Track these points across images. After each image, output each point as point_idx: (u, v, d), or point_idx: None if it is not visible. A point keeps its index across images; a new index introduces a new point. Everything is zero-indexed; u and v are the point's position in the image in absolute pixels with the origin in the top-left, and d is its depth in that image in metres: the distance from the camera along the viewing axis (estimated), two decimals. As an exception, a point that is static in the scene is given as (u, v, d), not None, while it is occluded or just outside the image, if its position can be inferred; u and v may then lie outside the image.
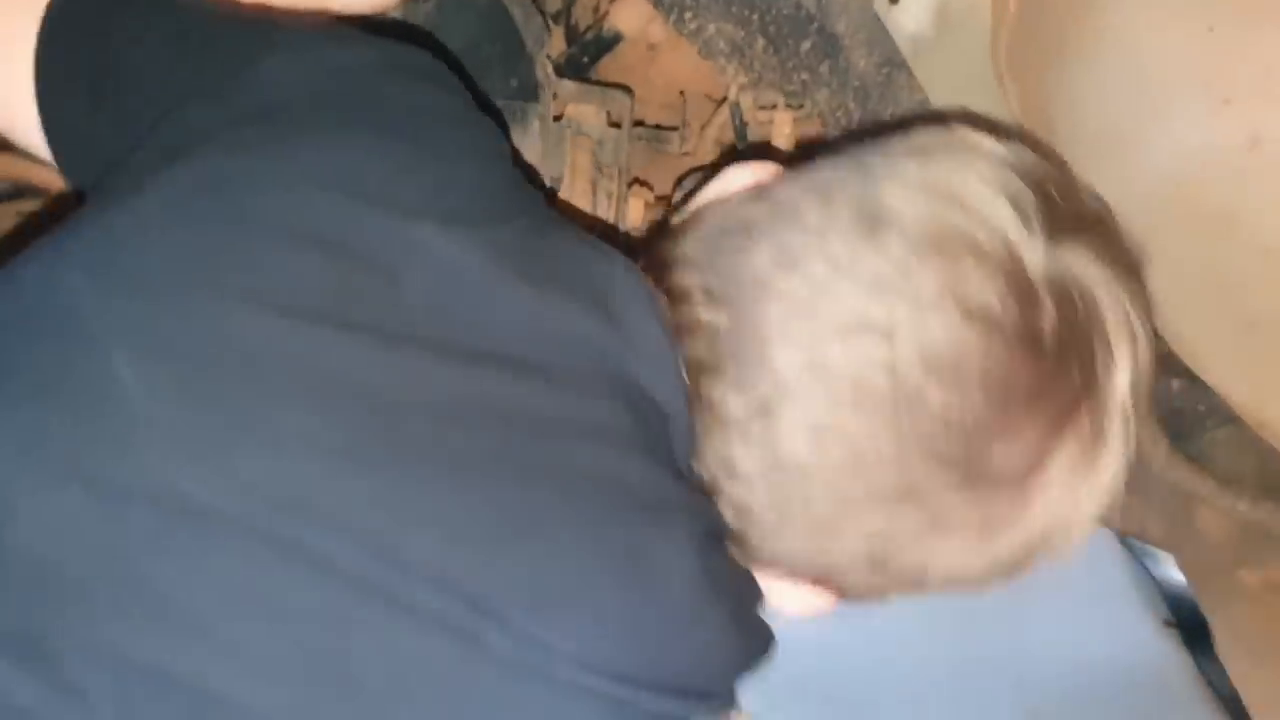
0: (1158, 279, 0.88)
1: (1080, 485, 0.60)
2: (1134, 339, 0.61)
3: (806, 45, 0.93)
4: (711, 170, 1.05)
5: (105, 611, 0.50)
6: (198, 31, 0.63)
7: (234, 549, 0.51)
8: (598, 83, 1.04)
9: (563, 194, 0.99)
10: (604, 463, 0.58)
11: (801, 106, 0.98)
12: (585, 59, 1.06)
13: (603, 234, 0.80)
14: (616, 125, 1.02)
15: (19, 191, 1.06)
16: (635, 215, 1.01)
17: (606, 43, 1.05)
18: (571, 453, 0.57)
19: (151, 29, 0.63)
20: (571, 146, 1.00)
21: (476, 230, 0.58)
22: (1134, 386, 0.61)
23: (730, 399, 0.61)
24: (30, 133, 0.65)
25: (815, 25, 0.91)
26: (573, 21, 1.07)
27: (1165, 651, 2.10)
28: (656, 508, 0.59)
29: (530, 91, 1.01)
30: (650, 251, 0.68)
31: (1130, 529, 1.09)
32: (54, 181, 1.08)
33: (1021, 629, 2.13)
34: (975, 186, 0.60)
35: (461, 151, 0.61)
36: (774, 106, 1.00)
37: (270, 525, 0.51)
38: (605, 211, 1.00)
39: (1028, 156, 0.63)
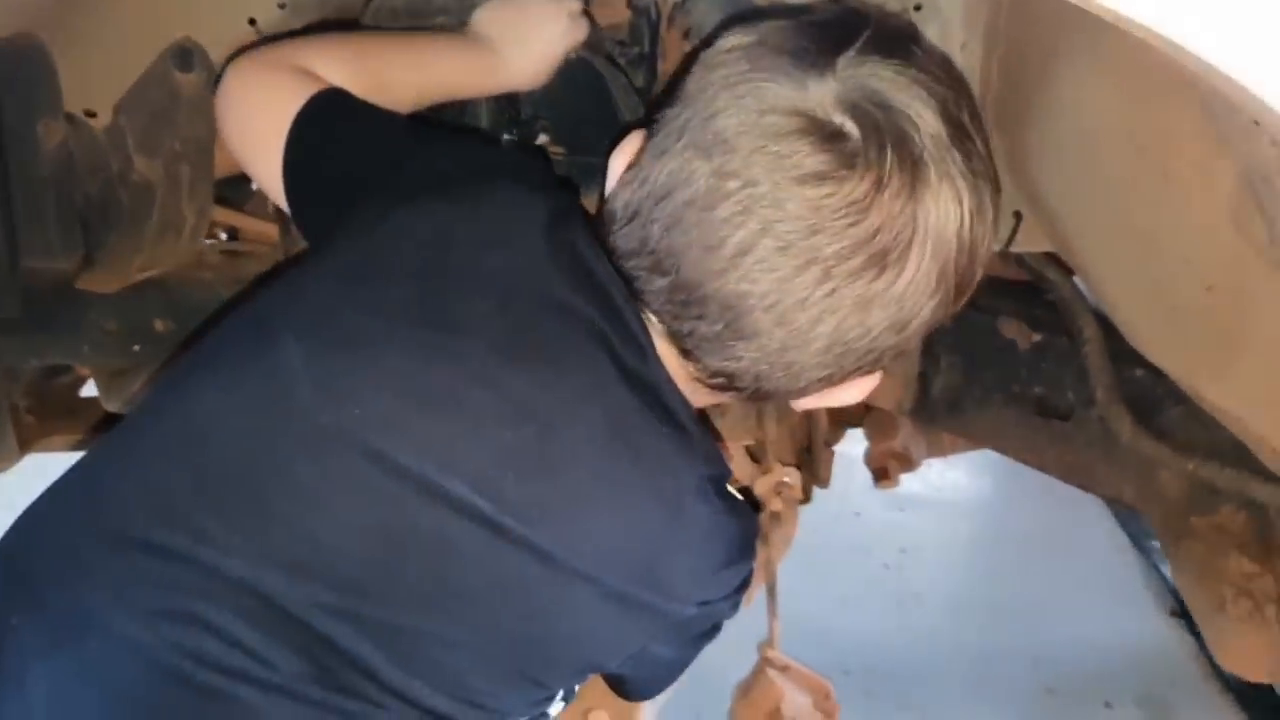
0: (1113, 287, 1.13)
1: (918, 198, 0.78)
2: (929, 98, 0.80)
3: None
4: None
5: (261, 486, 0.81)
6: (383, 140, 1.00)
7: (344, 455, 0.81)
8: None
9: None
10: (611, 423, 0.84)
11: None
12: (663, 124, 1.33)
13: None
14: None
15: (234, 234, 1.36)
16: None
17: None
18: (588, 416, 0.84)
19: (355, 137, 1.00)
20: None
21: (517, 254, 0.87)
22: (947, 126, 0.79)
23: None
24: (280, 199, 1.00)
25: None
26: (653, 93, 1.35)
27: (1171, 637, 2.33)
28: (658, 457, 0.85)
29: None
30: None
31: (1109, 493, 1.32)
32: (259, 230, 1.38)
33: (1041, 620, 2.36)
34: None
35: (517, 217, 0.90)
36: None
37: (369, 441, 0.81)
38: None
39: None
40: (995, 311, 1.34)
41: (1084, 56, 0.96)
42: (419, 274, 0.86)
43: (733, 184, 0.78)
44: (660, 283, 0.83)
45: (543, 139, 1.30)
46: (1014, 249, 1.25)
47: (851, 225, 0.77)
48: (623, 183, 0.87)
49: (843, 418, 1.68)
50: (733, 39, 0.84)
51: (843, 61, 0.80)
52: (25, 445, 1.44)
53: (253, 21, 1.19)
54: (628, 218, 0.85)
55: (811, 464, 1.55)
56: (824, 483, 1.57)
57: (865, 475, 1.71)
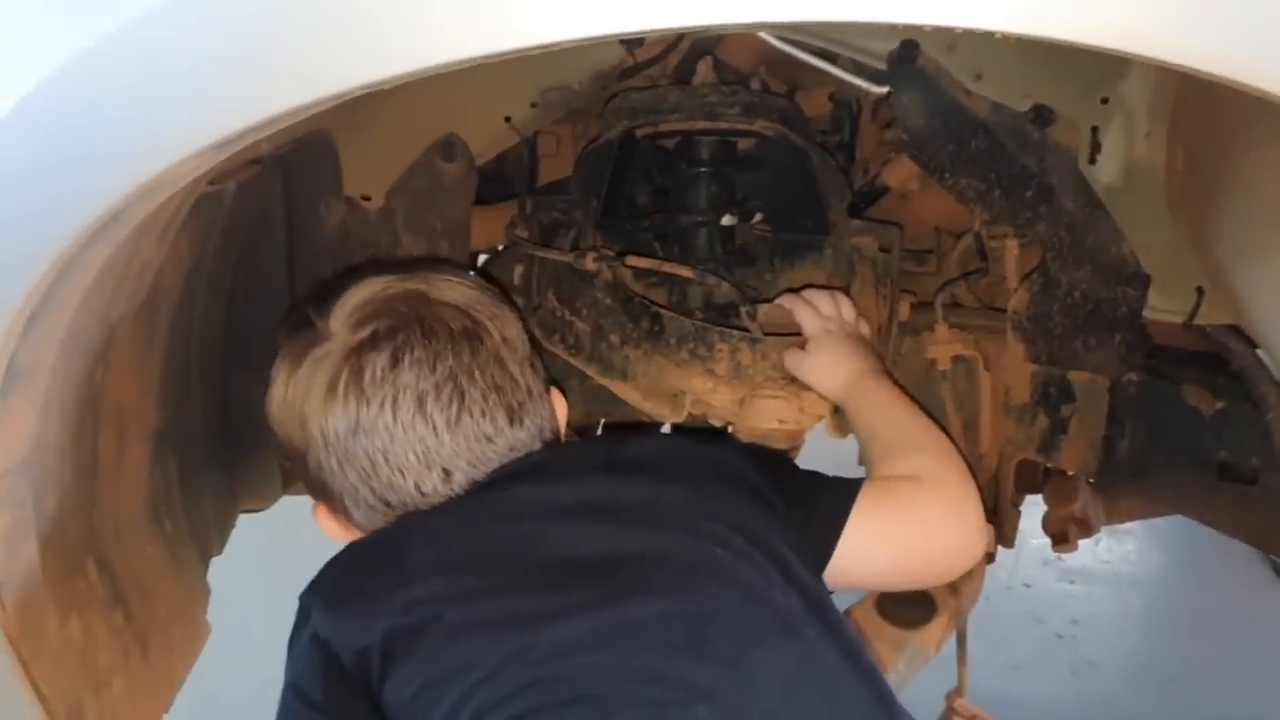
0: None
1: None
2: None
3: (1030, 193, 1.26)
4: (960, 280, 1.42)
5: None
6: None
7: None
8: (873, 219, 1.44)
9: (854, 298, 1.38)
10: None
11: (1025, 236, 1.35)
12: (862, 205, 1.46)
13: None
14: (887, 251, 1.40)
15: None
16: (905, 312, 1.39)
17: (878, 193, 1.45)
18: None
19: None
20: (858, 265, 1.39)
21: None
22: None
23: None
24: None
25: (1035, 179, 1.25)
26: (851, 177, 1.48)
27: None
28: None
29: (823, 228, 1.41)
30: None
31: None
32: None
33: (1219, 694, 2.34)
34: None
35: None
36: (1005, 236, 1.37)
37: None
38: (882, 310, 1.38)
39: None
40: (1179, 379, 1.39)
41: (1266, 140, 1.05)
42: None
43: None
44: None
45: (757, 218, 1.44)
46: (1197, 321, 1.32)
47: None
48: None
49: (1025, 483, 1.75)
50: None
51: None
52: (285, 485, 1.61)
53: (508, 119, 1.37)
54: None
55: (998, 523, 1.62)
56: (1009, 542, 1.63)
57: (1035, 547, 1.76)
